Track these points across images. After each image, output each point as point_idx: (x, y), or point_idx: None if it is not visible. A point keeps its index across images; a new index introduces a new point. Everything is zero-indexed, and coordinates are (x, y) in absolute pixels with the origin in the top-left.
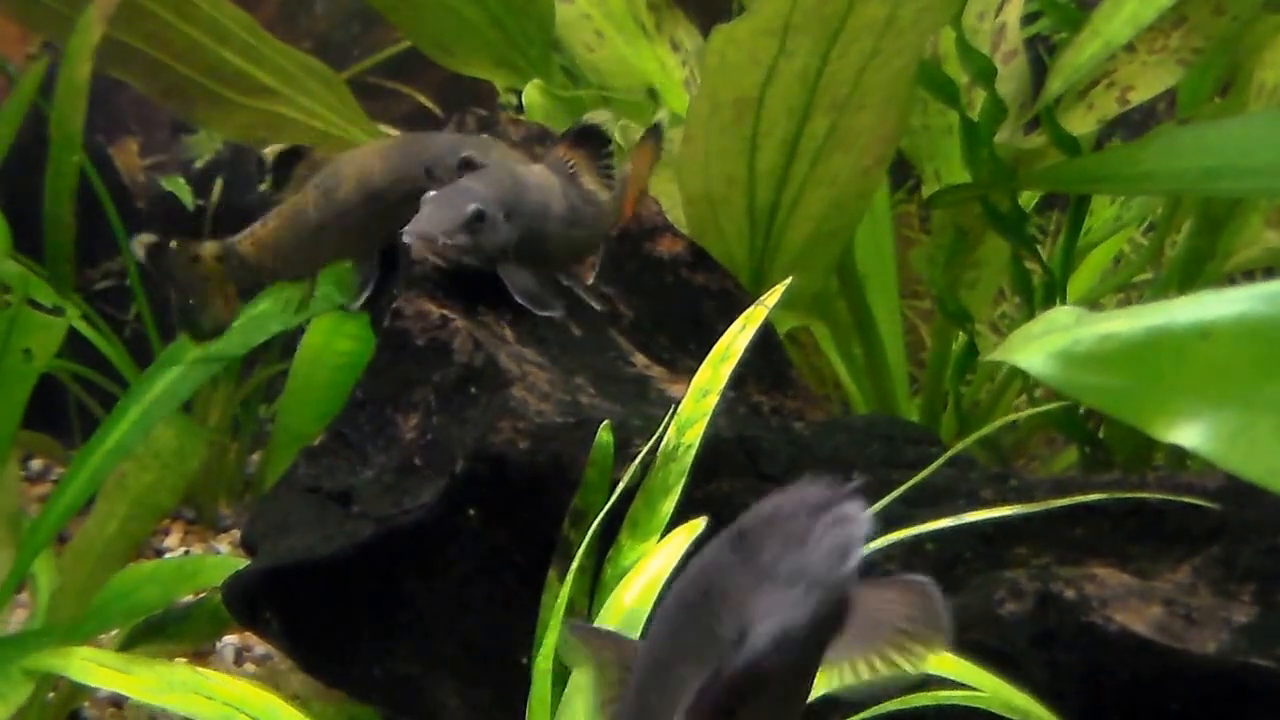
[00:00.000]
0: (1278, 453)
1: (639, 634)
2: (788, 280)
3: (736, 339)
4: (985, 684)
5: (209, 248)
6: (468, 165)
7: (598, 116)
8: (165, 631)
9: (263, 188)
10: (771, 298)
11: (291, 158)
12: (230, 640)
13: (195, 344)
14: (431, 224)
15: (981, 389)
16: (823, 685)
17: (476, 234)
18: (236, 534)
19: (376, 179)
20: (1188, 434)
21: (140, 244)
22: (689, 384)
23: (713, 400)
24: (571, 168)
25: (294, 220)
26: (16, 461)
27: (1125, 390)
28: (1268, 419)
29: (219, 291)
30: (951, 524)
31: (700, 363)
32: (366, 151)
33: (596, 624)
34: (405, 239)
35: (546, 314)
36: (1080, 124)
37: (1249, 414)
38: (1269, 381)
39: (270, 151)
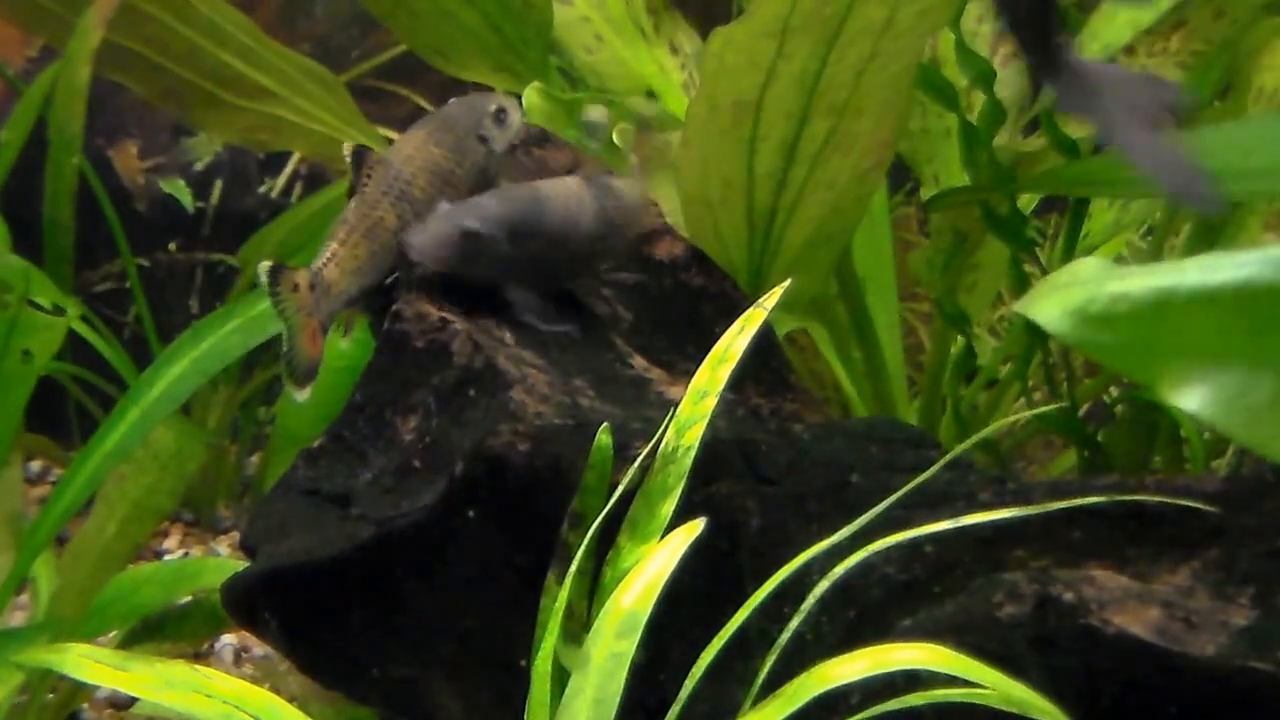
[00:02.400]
0: (1275, 420)
1: (638, 636)
2: (786, 282)
3: (735, 341)
4: (985, 678)
5: (302, 274)
6: (501, 113)
7: (594, 113)
8: (163, 631)
9: (262, 190)
10: (770, 299)
11: (360, 158)
12: (229, 641)
13: (296, 390)
14: (425, 238)
15: (980, 392)
16: (822, 684)
17: (469, 252)
18: (235, 536)
19: (444, 163)
20: (1190, 398)
21: (263, 269)
22: (688, 386)
23: (711, 402)
24: (608, 173)
25: (371, 233)
26: (19, 463)
27: (1133, 350)
28: (1268, 385)
29: (307, 325)
30: (950, 527)
31: (699, 365)
32: (416, 143)
33: (595, 626)
34: (405, 248)
35: (557, 330)
36: (1079, 127)
37: (1250, 378)
38: (1272, 347)
39: (347, 150)
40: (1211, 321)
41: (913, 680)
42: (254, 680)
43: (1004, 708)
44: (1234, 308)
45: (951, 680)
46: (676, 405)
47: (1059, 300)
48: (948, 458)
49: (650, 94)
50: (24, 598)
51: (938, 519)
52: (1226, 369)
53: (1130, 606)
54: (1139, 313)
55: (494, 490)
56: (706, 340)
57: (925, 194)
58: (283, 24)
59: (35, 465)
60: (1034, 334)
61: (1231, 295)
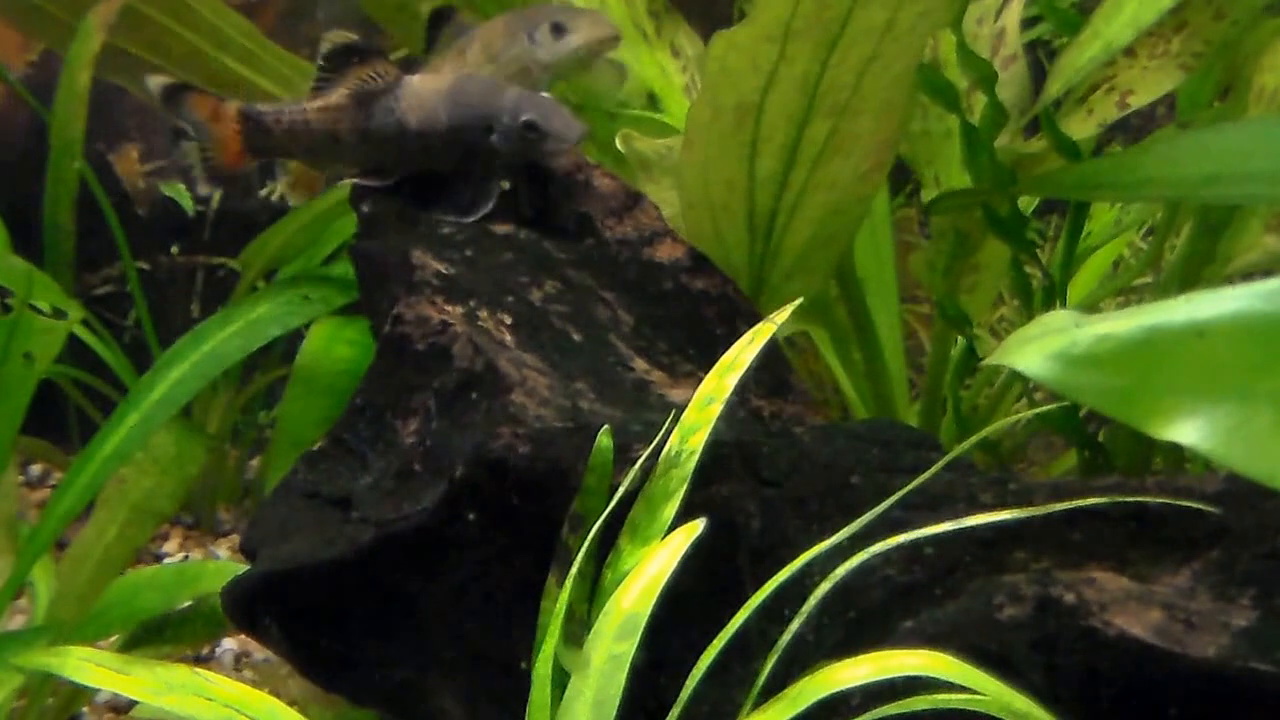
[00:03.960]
0: (1276, 448)
1: (638, 638)
2: (799, 301)
3: (744, 351)
4: (985, 687)
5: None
6: (530, 129)
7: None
8: (164, 634)
9: (263, 193)
10: (782, 316)
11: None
12: (229, 646)
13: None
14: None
15: (980, 393)
16: (823, 687)
17: None
18: (236, 539)
19: (440, 124)
20: (1185, 432)
21: (155, 83)
22: (689, 389)
23: (717, 408)
24: None
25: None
26: (16, 466)
27: (1122, 390)
28: (1265, 415)
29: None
30: (951, 528)
31: (700, 368)
32: (436, 85)
33: (595, 628)
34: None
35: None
36: (1080, 128)
37: (1246, 411)
38: (1265, 378)
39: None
40: (1203, 357)
41: (914, 683)
42: (254, 684)
43: (1004, 717)
44: (1226, 342)
45: (953, 685)
46: (677, 408)
47: (1039, 347)
48: (948, 458)
49: (651, 96)
50: (24, 602)
51: (938, 520)
52: (1221, 402)
53: (1131, 608)
54: (1126, 351)
55: (494, 493)
56: (708, 343)
57: (926, 195)
58: (284, 28)
59: (35, 469)
60: None
61: (1222, 330)
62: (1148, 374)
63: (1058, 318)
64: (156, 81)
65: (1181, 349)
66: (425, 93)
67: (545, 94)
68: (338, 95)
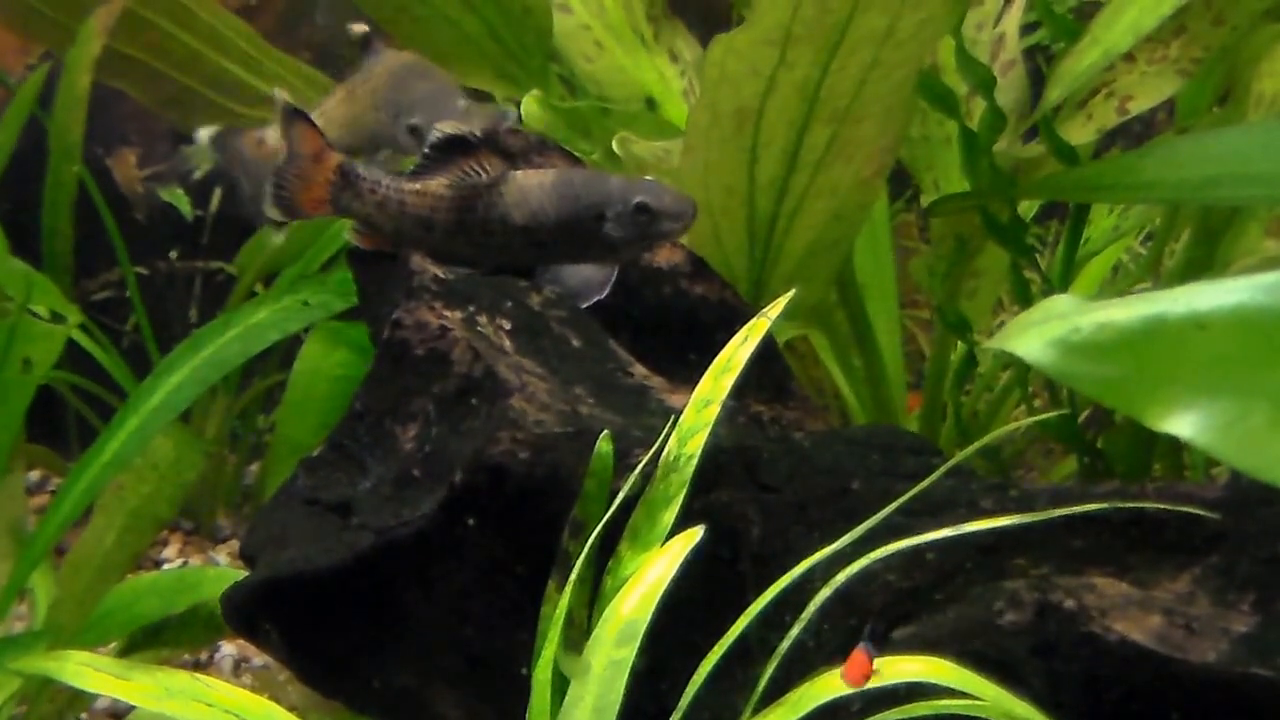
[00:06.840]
0: (1272, 443)
1: (637, 644)
2: (791, 293)
3: (739, 350)
4: (985, 693)
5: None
6: (642, 211)
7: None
8: (163, 638)
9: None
10: (774, 310)
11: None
12: (229, 651)
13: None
14: None
15: (980, 399)
16: (823, 693)
17: None
18: (235, 545)
19: (548, 218)
20: (1182, 424)
21: (280, 96)
22: (688, 394)
23: (714, 411)
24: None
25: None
26: (20, 471)
27: (1121, 380)
28: (1263, 410)
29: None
30: (951, 534)
31: (699, 373)
32: (541, 180)
33: (595, 634)
34: None
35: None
36: (1079, 134)
37: (1244, 404)
38: (1265, 372)
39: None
40: (1203, 349)
41: (914, 688)
42: (254, 690)
43: None
44: (1226, 335)
45: (954, 690)
46: (677, 413)
47: (1039, 333)
48: (949, 465)
49: (650, 101)
50: (23, 608)
51: (939, 526)
52: (1220, 395)
53: (1131, 613)
54: (1126, 341)
55: (494, 499)
56: (707, 348)
57: (925, 200)
58: (284, 31)
59: (34, 475)
60: None
61: (1223, 323)
62: (1146, 365)
63: (1060, 303)
64: (281, 95)
65: (1181, 341)
66: (530, 187)
67: (649, 178)
68: (438, 183)
